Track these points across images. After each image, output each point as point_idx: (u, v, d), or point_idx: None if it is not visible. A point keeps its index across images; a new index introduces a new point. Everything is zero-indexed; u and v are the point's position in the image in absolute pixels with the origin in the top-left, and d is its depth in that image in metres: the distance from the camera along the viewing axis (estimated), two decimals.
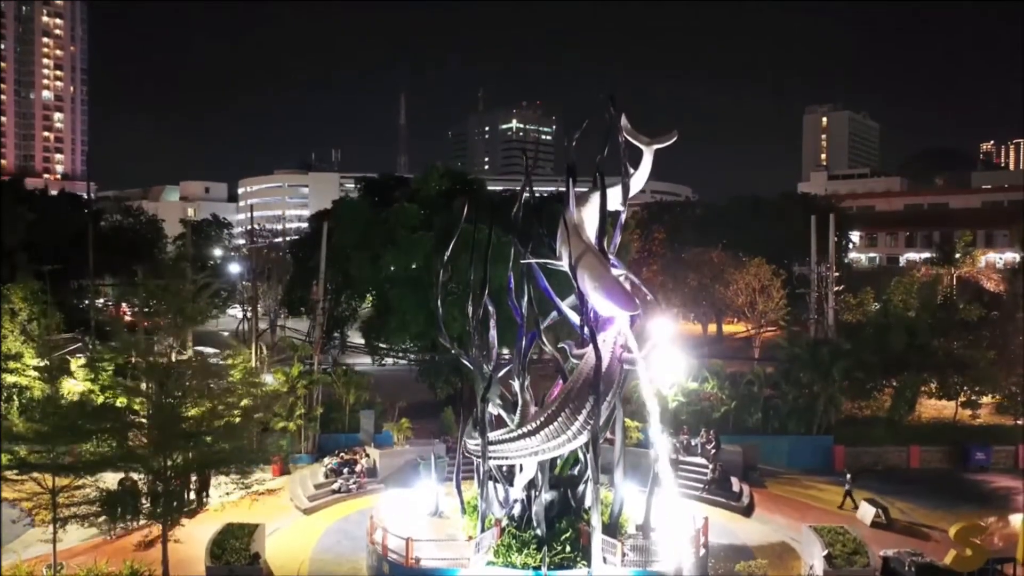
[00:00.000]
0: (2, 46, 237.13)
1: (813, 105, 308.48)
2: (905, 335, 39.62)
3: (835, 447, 39.21)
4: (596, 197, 26.32)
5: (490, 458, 25.54)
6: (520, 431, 24.52)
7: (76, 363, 37.42)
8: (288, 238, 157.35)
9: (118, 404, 34.73)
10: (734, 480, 35.13)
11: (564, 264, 25.30)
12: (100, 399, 35.49)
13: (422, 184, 46.35)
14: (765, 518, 32.35)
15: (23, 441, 22.24)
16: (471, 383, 27.81)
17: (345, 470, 35.16)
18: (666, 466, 25.64)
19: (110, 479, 24.81)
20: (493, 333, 27.72)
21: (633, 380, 28.24)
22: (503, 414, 26.52)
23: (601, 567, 23.56)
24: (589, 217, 26.66)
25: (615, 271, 25.92)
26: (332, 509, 32.79)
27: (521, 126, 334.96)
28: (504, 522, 25.74)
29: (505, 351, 35.46)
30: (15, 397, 36.46)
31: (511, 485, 26.35)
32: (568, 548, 24.43)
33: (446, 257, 28.32)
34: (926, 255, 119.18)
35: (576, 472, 26.68)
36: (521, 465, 25.78)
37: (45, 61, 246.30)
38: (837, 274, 43.36)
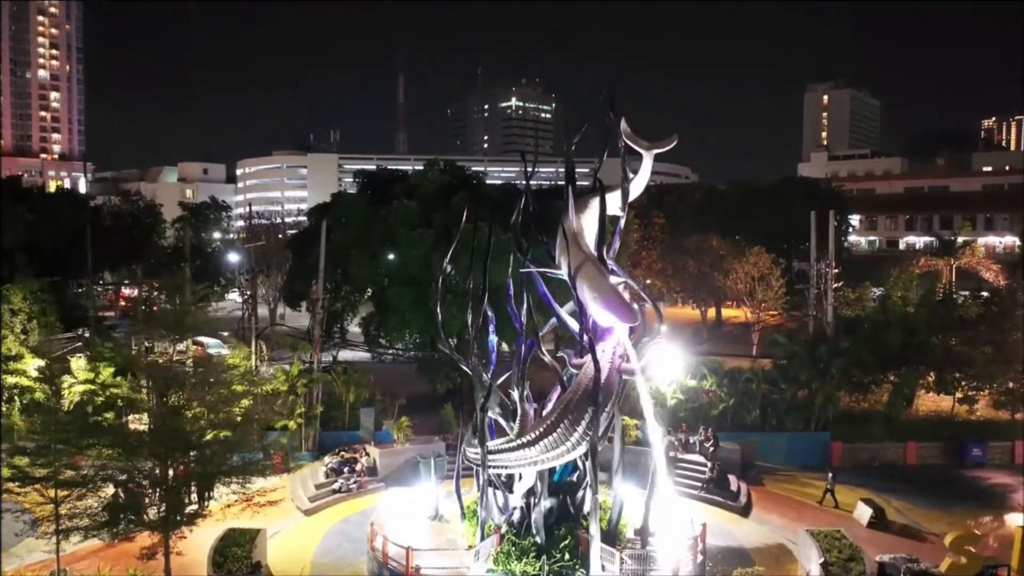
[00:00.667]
0: None
1: (814, 83, 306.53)
2: (903, 332, 39.70)
3: (832, 443, 39.41)
4: (595, 204, 26.26)
5: (489, 467, 25.69)
6: (519, 441, 24.64)
7: (76, 362, 37.53)
8: (288, 221, 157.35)
9: (120, 403, 35.24)
10: (732, 479, 35.34)
11: (563, 273, 25.28)
12: (101, 398, 35.85)
13: (421, 180, 46.16)
14: (763, 518, 32.57)
15: (24, 455, 22.28)
16: (471, 380, 27.76)
17: (345, 469, 35.34)
18: (664, 471, 25.87)
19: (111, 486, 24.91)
20: (492, 338, 27.78)
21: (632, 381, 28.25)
22: (502, 422, 26.61)
23: (600, 574, 23.78)
24: (588, 224, 26.62)
25: (614, 279, 25.94)
26: (333, 510, 32.98)
27: (521, 104, 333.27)
28: (503, 528, 25.94)
29: (505, 347, 35.56)
30: (16, 398, 36.57)
31: (510, 492, 26.50)
32: (567, 556, 24.64)
33: (446, 262, 28.27)
34: (926, 238, 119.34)
35: (575, 478, 26.81)
36: (520, 473, 25.91)
37: (40, 40, 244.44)
38: (837, 270, 43.23)
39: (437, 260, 41.48)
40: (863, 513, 32.08)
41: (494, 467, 25.71)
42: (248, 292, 41.65)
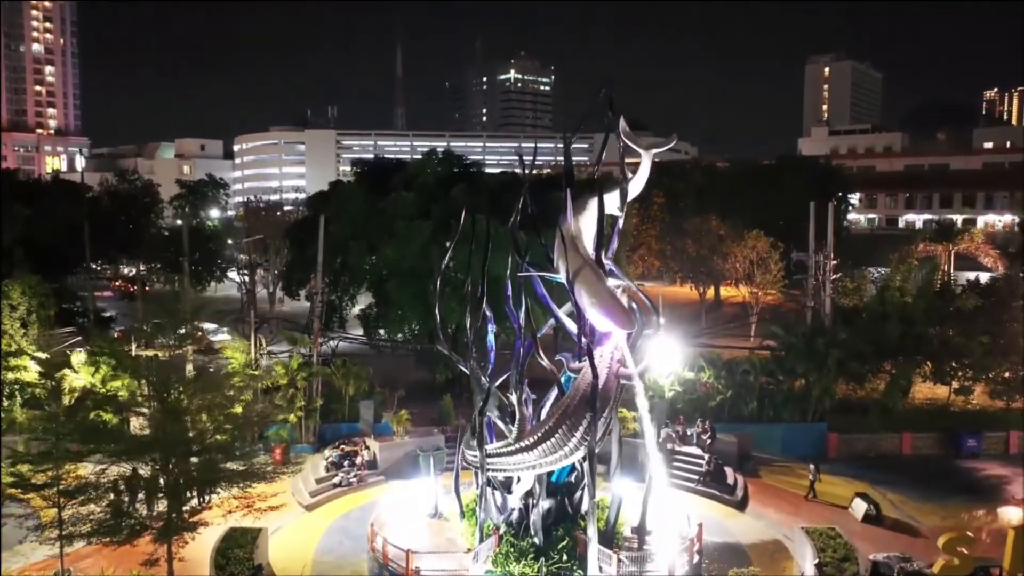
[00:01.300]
0: None
1: (815, 55, 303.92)
2: (901, 324, 39.83)
3: (829, 434, 39.71)
4: (593, 206, 26.19)
5: (488, 469, 25.92)
6: (517, 445, 24.84)
7: (76, 356, 37.71)
8: (286, 198, 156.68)
9: (121, 395, 35.43)
10: (729, 471, 35.61)
11: (562, 277, 25.29)
12: (101, 392, 36.07)
13: (419, 171, 46.02)
14: (759, 512, 32.88)
15: (26, 462, 22.45)
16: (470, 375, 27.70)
17: (345, 463, 35.61)
18: (659, 470, 26.14)
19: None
20: (491, 338, 27.87)
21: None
22: (501, 424, 26.79)
23: None
24: (587, 227, 26.57)
25: (613, 282, 25.97)
26: (333, 505, 33.26)
27: (520, 76, 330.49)
28: (502, 529, 26.22)
29: (504, 337, 35.66)
30: (17, 393, 36.78)
31: (509, 492, 26.74)
32: (565, 557, 24.94)
33: (444, 263, 28.28)
34: (925, 216, 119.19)
35: (573, 479, 27.03)
36: (518, 476, 26.14)
37: (34, 13, 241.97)
38: (836, 261, 43.24)
39: (435, 252, 41.59)
40: (858, 507, 32.36)
41: (492, 470, 25.93)
42: (247, 273, 41.56)
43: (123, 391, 36.14)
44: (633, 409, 35.32)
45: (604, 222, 25.91)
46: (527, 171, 27.28)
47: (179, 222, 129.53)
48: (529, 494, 26.27)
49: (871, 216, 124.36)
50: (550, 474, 26.55)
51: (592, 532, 24.17)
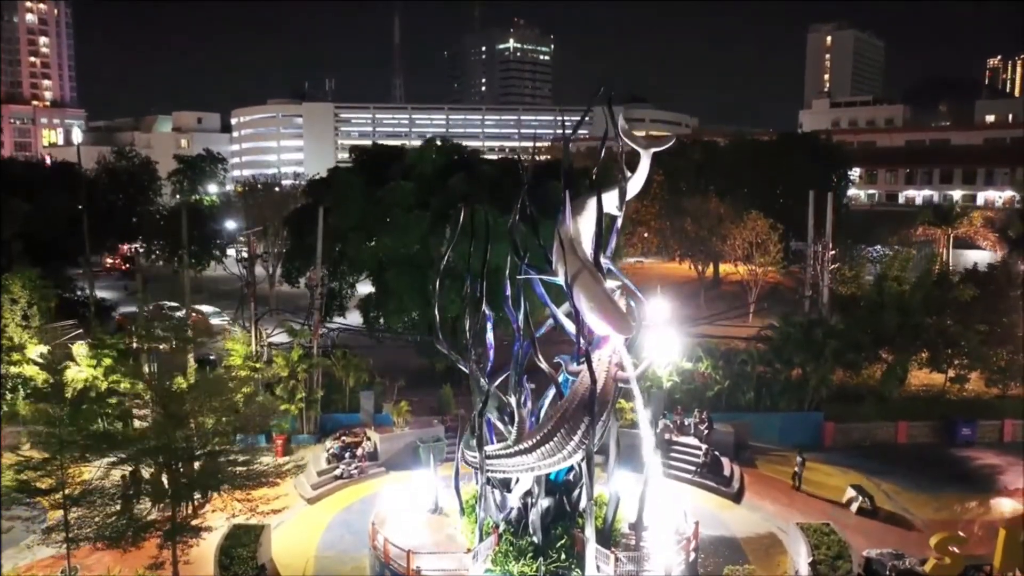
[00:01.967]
0: None
1: (817, 23, 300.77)
2: (898, 313, 40.04)
3: (825, 423, 40.12)
4: (592, 206, 26.22)
5: (487, 470, 26.26)
6: (516, 448, 25.14)
7: (78, 348, 37.94)
8: (284, 177, 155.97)
9: (123, 387, 35.74)
10: (725, 462, 36.03)
11: (560, 279, 25.40)
12: (104, 384, 36.38)
13: (418, 160, 45.86)
14: (754, 504, 33.31)
15: (30, 468, 22.74)
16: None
17: (346, 454, 36.02)
18: (656, 468, 26.48)
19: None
20: (490, 336, 28.04)
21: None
22: (500, 425, 27.08)
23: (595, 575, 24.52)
24: (585, 228, 26.63)
25: (611, 283, 26.10)
26: (335, 497, 33.68)
27: (519, 46, 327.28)
28: (502, 527, 26.61)
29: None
30: (20, 387, 37.06)
31: (508, 491, 27.08)
32: (563, 556, 25.34)
33: (442, 264, 28.34)
34: (926, 192, 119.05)
35: (571, 478, 27.36)
36: (517, 477, 26.47)
37: None
38: (834, 252, 43.35)
39: (434, 242, 41.62)
40: (853, 499, 32.81)
41: (492, 470, 26.26)
42: (247, 266, 41.67)
43: (124, 383, 36.54)
44: (630, 400, 35.66)
45: (603, 224, 25.98)
46: (526, 176, 27.11)
47: (178, 197, 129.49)
48: (528, 493, 26.62)
49: (871, 192, 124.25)
50: (549, 473, 26.88)
51: (590, 532, 24.54)
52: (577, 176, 40.11)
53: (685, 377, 40.02)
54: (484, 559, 25.30)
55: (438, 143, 47.29)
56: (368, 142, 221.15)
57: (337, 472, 35.17)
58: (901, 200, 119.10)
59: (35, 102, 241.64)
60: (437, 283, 28.25)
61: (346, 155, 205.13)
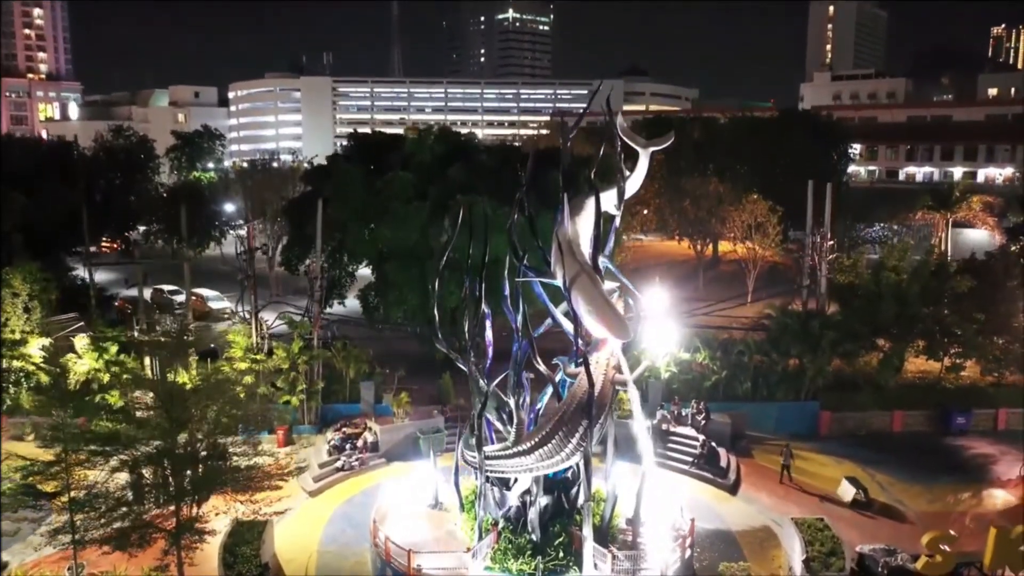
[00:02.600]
0: None
1: None
2: (895, 304, 40.22)
3: (821, 412, 40.49)
4: (591, 207, 26.31)
5: (486, 470, 26.62)
6: (515, 449, 25.47)
7: (79, 340, 38.22)
8: (282, 152, 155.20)
9: (125, 377, 36.03)
10: (722, 452, 36.37)
11: (558, 282, 25.56)
12: (106, 377, 36.71)
13: (416, 149, 45.75)
14: (750, 497, 33.73)
15: (35, 473, 23.09)
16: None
17: (347, 446, 36.41)
18: (652, 465, 26.89)
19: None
20: (489, 334, 28.28)
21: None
22: (499, 425, 27.40)
23: (592, 573, 24.99)
24: (584, 229, 26.74)
25: (609, 284, 26.27)
26: (336, 490, 34.05)
27: (518, 16, 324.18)
28: (500, 524, 27.03)
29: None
30: (23, 381, 37.36)
31: (508, 489, 27.46)
32: (561, 554, 25.79)
33: (441, 265, 28.48)
34: (926, 169, 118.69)
35: (569, 475, 27.74)
36: (516, 477, 26.84)
37: None
38: (832, 241, 43.44)
39: (433, 233, 41.70)
40: (847, 491, 33.19)
41: (491, 470, 26.63)
42: (247, 260, 41.80)
43: (126, 375, 36.85)
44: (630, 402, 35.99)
45: (601, 227, 26.07)
46: (524, 177, 27.13)
47: (175, 175, 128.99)
48: (527, 491, 26.99)
49: (871, 168, 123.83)
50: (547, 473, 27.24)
51: (587, 532, 24.96)
52: (576, 165, 40.08)
53: (683, 367, 40.31)
54: (483, 557, 25.75)
55: (436, 131, 47.13)
56: (367, 116, 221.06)
57: (338, 464, 35.55)
58: (902, 177, 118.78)
59: (30, 75, 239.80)
60: (436, 283, 28.38)
61: (344, 130, 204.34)
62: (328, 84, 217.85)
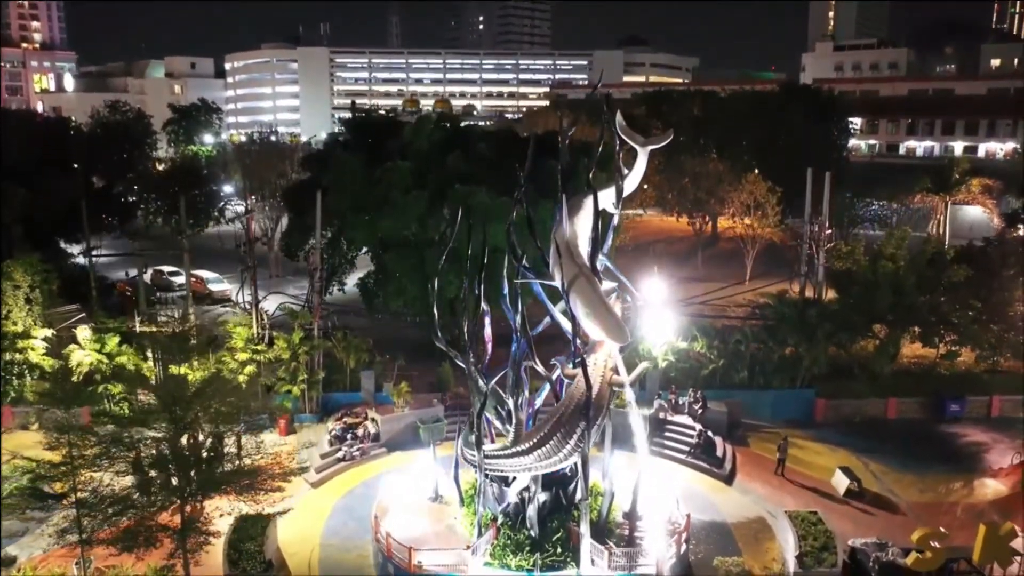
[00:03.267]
0: None
1: None
2: (892, 293, 40.43)
3: (816, 400, 40.92)
4: (589, 206, 26.43)
5: (486, 469, 27.03)
6: (514, 449, 25.85)
7: (81, 332, 38.48)
8: (278, 125, 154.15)
9: (127, 369, 36.37)
10: (718, 442, 36.80)
11: (557, 283, 25.76)
12: (108, 370, 37.04)
13: (414, 136, 45.57)
14: (746, 487, 34.19)
15: (42, 478, 23.46)
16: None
17: (348, 436, 36.84)
18: (648, 463, 27.33)
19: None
20: (488, 331, 28.57)
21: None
22: (498, 424, 27.77)
23: (589, 569, 25.53)
24: (582, 229, 26.87)
25: (607, 284, 26.49)
26: (338, 480, 34.53)
27: None
28: (500, 520, 27.52)
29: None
30: (27, 373, 37.68)
31: (507, 486, 27.90)
32: (559, 549, 26.29)
33: (440, 265, 28.64)
34: (927, 143, 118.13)
35: (568, 471, 28.16)
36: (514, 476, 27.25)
37: None
38: (829, 230, 43.56)
39: (432, 223, 41.79)
40: (840, 482, 33.65)
41: (490, 469, 27.04)
42: (246, 251, 41.93)
43: (129, 364, 37.21)
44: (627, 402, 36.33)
45: (599, 228, 26.21)
46: (522, 187, 27.17)
47: (173, 148, 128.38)
48: (526, 488, 27.43)
49: (872, 142, 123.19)
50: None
51: (585, 529, 25.45)
52: (575, 153, 39.98)
53: (680, 356, 40.63)
54: (483, 553, 26.26)
55: (434, 117, 46.93)
56: (365, 87, 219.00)
57: (340, 455, 36.01)
58: (902, 151, 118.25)
59: (24, 44, 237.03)
60: (436, 282, 28.57)
61: (342, 101, 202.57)
62: (325, 55, 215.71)
